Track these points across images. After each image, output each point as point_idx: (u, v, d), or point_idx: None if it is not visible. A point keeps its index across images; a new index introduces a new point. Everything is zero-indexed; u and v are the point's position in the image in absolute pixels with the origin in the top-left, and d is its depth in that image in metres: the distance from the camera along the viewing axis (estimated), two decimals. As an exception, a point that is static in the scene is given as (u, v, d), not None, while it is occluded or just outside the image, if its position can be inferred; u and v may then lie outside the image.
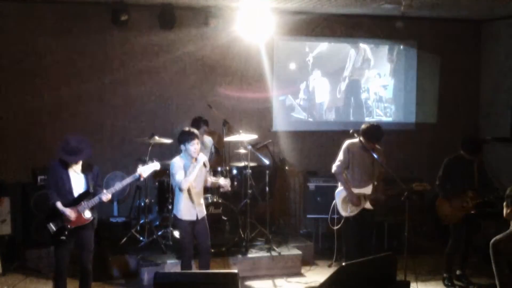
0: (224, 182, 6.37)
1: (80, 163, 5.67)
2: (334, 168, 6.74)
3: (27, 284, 6.83)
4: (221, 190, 6.68)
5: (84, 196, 5.65)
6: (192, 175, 5.96)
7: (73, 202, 5.62)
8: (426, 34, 9.57)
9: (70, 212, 5.56)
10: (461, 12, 8.67)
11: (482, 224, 7.85)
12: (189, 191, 6.07)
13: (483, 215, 7.86)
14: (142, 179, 5.92)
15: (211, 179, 6.42)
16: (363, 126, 6.65)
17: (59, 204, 5.56)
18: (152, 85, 8.53)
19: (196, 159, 6.04)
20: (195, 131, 6.10)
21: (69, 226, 5.59)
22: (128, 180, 5.81)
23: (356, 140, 6.68)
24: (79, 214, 5.61)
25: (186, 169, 6.02)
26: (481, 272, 7.40)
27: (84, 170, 5.69)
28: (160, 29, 8.37)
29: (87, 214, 5.66)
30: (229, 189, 6.52)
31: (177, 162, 6.03)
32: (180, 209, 6.12)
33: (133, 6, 8.16)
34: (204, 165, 6.08)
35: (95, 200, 5.64)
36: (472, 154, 6.85)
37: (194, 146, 5.98)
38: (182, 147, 6.04)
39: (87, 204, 5.62)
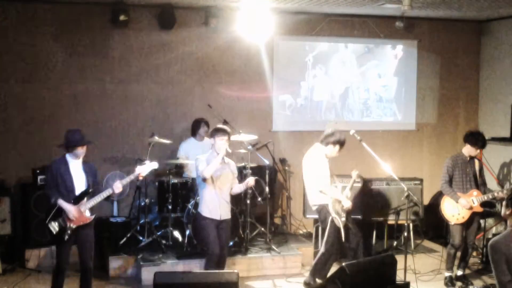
0: (248, 180, 6.30)
1: (81, 160, 5.71)
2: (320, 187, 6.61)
3: (27, 284, 6.82)
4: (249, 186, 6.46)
5: (84, 194, 5.66)
6: (213, 163, 6.00)
7: (74, 201, 5.63)
8: (426, 34, 9.58)
9: (74, 209, 5.56)
10: (461, 12, 8.66)
11: (482, 224, 7.87)
12: (213, 188, 6.11)
13: (483, 215, 7.87)
14: (141, 178, 5.94)
15: (238, 184, 6.38)
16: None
17: (61, 201, 5.55)
18: (152, 85, 8.53)
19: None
20: (228, 129, 6.21)
21: (71, 225, 5.60)
22: (129, 178, 5.84)
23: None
24: (81, 213, 5.63)
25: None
26: (481, 272, 7.41)
27: (84, 168, 5.73)
28: (160, 29, 8.38)
29: (88, 213, 5.70)
30: (253, 183, 6.38)
31: (200, 158, 6.18)
32: (204, 207, 6.14)
33: (133, 6, 8.17)
34: (227, 151, 6.13)
35: (95, 199, 5.67)
36: (478, 147, 6.80)
37: (222, 142, 6.07)
38: (212, 140, 6.18)
39: (88, 203, 5.65)
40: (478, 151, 6.89)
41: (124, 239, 7.37)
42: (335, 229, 6.45)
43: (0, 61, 7.94)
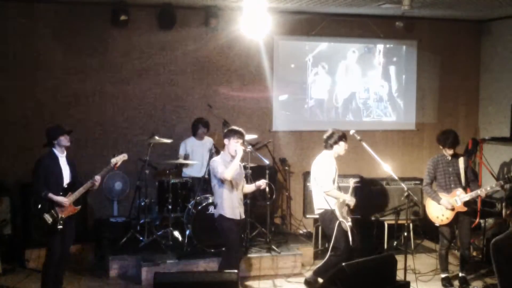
0: (259, 183, 6.37)
1: (65, 153, 5.99)
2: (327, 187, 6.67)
3: (27, 284, 6.82)
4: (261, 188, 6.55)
5: (71, 186, 5.94)
6: (234, 165, 6.02)
7: (63, 193, 5.89)
8: (426, 34, 9.58)
9: (64, 199, 5.82)
10: (461, 12, 8.67)
11: (482, 224, 7.86)
12: (231, 189, 6.14)
13: (483, 215, 7.85)
14: (116, 169, 6.40)
15: (248, 185, 6.43)
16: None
17: (51, 195, 5.79)
18: (152, 85, 8.53)
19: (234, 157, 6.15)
20: (244, 132, 6.21)
21: (62, 216, 5.85)
22: (106, 170, 6.17)
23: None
24: (70, 204, 5.91)
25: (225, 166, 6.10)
26: (481, 272, 7.40)
27: (68, 162, 6.02)
28: (160, 29, 8.38)
29: (75, 204, 5.96)
30: (265, 186, 6.45)
31: (217, 159, 6.19)
32: (225, 208, 6.14)
33: (133, 6, 8.17)
34: (244, 147, 6.17)
35: (80, 191, 5.95)
36: (446, 146, 6.70)
37: (237, 144, 6.08)
38: (226, 141, 6.17)
39: (74, 195, 5.91)
40: (452, 150, 6.74)
41: (124, 239, 7.37)
42: (344, 233, 6.43)
43: None
